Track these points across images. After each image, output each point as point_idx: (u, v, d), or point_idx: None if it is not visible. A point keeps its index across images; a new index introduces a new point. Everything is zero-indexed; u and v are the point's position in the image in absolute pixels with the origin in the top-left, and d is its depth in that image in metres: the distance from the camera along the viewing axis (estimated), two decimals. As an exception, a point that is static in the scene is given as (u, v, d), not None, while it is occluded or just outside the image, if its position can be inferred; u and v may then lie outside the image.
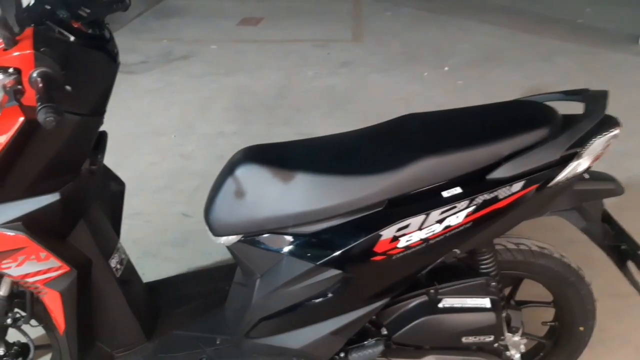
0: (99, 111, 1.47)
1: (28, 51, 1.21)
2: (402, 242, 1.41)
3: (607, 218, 1.64)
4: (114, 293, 1.65)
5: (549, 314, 1.87)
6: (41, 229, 1.43)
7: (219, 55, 5.08)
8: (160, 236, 2.72)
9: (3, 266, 1.44)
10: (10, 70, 1.23)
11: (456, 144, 1.43)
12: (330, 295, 1.49)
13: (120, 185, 1.81)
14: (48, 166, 1.40)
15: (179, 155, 3.48)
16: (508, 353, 1.68)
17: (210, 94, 4.31)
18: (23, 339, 1.73)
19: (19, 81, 1.23)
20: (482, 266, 1.59)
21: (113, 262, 1.66)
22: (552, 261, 1.66)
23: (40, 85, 1.17)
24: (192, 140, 3.65)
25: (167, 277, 2.04)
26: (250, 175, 1.49)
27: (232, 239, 1.52)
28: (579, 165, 1.44)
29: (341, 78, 4.54)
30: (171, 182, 3.19)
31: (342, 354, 1.59)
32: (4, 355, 1.68)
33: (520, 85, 4.29)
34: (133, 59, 4.95)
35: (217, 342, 1.70)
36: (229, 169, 1.52)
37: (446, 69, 4.67)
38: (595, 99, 1.49)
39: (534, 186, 1.42)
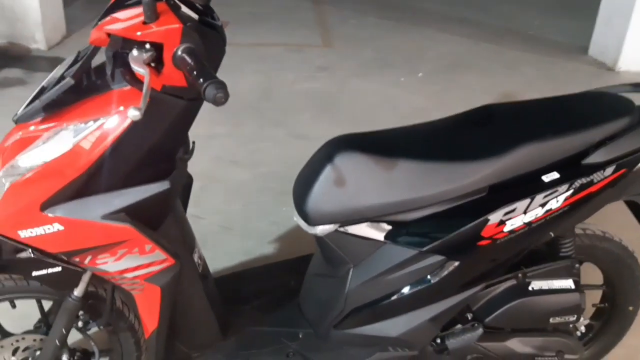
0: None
1: (176, 25, 1.12)
2: (508, 226, 1.47)
3: None
4: (196, 289, 1.59)
5: (593, 296, 1.96)
6: (141, 221, 1.33)
7: (193, 57, 4.97)
8: (180, 237, 2.64)
9: (98, 261, 1.33)
10: (147, 45, 1.14)
11: (553, 131, 1.50)
12: (431, 281, 1.51)
13: (189, 178, 1.75)
14: (150, 153, 1.32)
15: (176, 156, 3.39)
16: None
17: (193, 96, 4.22)
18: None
19: (156, 57, 1.14)
20: (563, 249, 1.66)
21: (195, 257, 1.60)
22: (613, 245, 1.76)
23: (191, 62, 1.09)
24: (185, 142, 3.56)
25: (226, 274, 1.99)
26: (351, 164, 1.49)
27: (329, 228, 1.51)
28: None
29: (322, 82, 4.57)
30: (175, 184, 3.10)
31: (438, 340, 1.62)
32: None
33: (491, 91, 4.45)
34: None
35: (300, 336, 1.67)
36: (325, 158, 1.51)
37: (420, 74, 4.80)
38: None
39: (623, 170, 1.51)
